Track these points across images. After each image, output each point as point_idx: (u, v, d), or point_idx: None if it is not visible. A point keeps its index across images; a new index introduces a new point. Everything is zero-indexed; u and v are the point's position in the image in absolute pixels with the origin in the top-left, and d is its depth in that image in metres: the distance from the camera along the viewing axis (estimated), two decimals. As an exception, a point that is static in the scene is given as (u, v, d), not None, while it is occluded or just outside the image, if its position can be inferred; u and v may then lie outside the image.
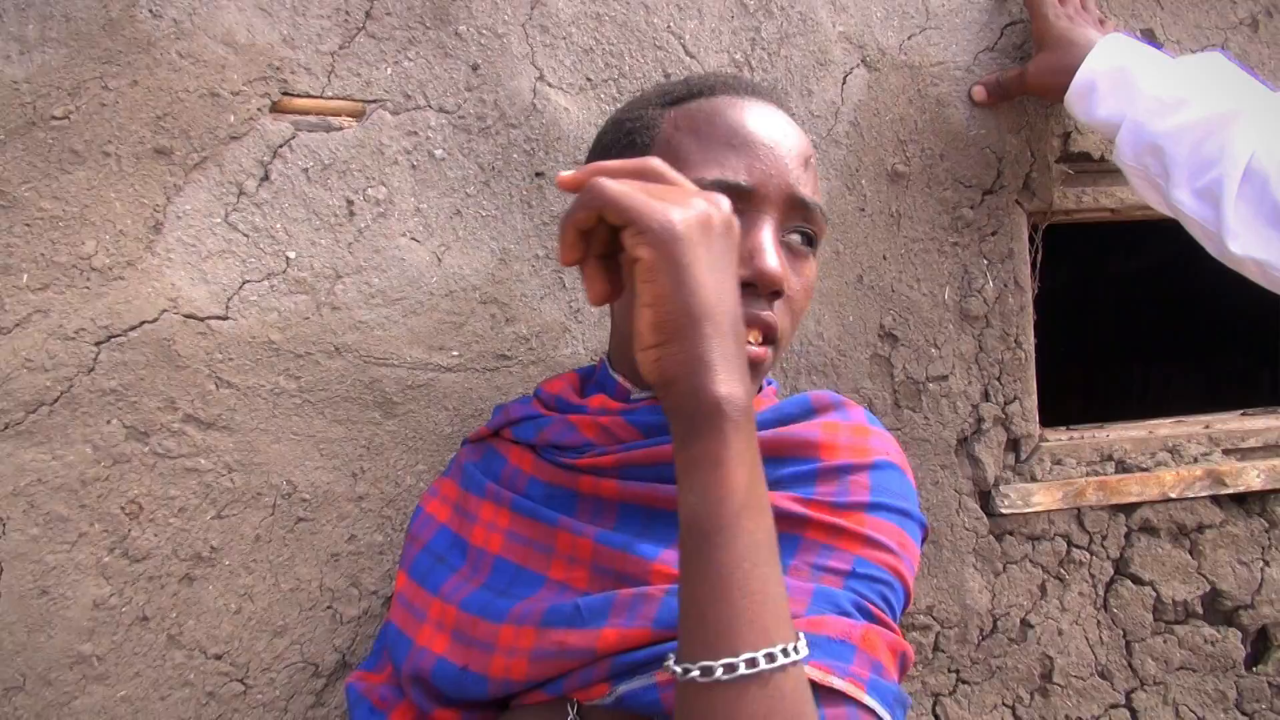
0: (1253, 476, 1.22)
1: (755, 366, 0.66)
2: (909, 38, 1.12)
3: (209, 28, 0.93)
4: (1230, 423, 1.30)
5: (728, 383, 0.52)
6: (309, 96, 0.97)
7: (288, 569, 0.95)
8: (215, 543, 0.93)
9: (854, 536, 0.64)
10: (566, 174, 0.56)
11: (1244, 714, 1.24)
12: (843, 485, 0.67)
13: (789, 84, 1.08)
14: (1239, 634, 1.24)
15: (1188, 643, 1.23)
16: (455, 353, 1.00)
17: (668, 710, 0.58)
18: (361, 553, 0.97)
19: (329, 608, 0.96)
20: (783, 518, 0.64)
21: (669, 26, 1.05)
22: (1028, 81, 1.06)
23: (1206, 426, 1.28)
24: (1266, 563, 1.25)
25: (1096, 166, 1.20)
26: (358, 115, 0.98)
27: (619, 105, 1.04)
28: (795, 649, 0.50)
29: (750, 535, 0.51)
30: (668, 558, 0.65)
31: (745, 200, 0.68)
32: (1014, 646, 1.18)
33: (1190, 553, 1.23)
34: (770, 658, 0.49)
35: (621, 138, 0.75)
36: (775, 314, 0.67)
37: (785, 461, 0.69)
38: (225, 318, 0.93)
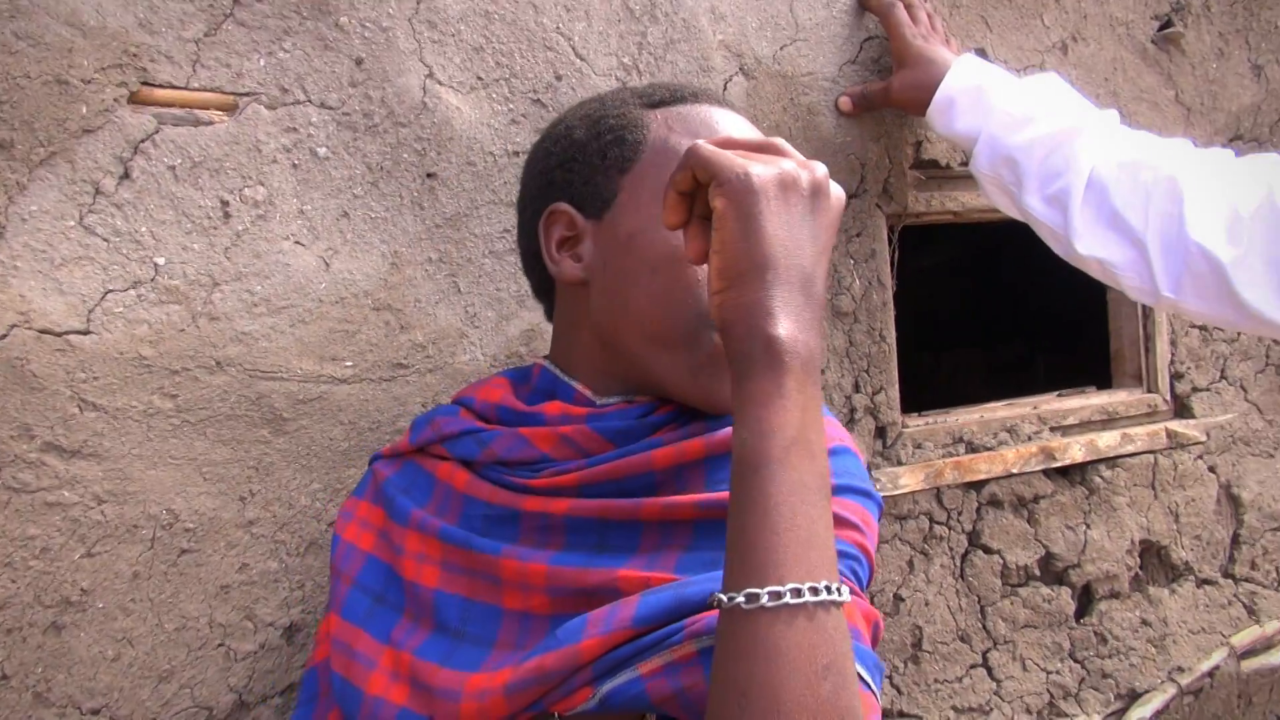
0: (1076, 450, 1.38)
1: None
2: (781, 48, 1.17)
3: (50, 6, 0.83)
4: (1052, 403, 1.45)
5: (785, 326, 0.54)
6: (172, 87, 0.88)
7: (171, 607, 0.86)
8: (86, 584, 0.82)
9: None
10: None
11: (1076, 661, 1.40)
12: None
13: (675, 89, 1.10)
14: (1069, 591, 1.40)
15: (1029, 603, 1.37)
16: (348, 363, 0.94)
17: (653, 700, 0.58)
18: (255, 582, 0.90)
19: (221, 645, 0.88)
20: None
21: (558, 27, 1.04)
22: (892, 96, 1.13)
23: (1035, 408, 1.43)
24: (1088, 526, 1.41)
25: (943, 173, 1.31)
26: (229, 109, 0.91)
27: (512, 105, 1.02)
28: (839, 590, 0.51)
29: (798, 473, 0.53)
30: (634, 564, 0.64)
31: None
32: (889, 620, 1.26)
33: (1028, 521, 1.37)
34: (814, 590, 0.50)
35: (605, 133, 0.73)
36: None
37: None
38: (87, 332, 0.83)
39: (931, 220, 1.35)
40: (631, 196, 0.71)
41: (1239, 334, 1.56)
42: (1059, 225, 1.02)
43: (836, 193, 0.60)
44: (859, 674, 0.58)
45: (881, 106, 1.19)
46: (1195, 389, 1.52)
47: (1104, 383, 1.58)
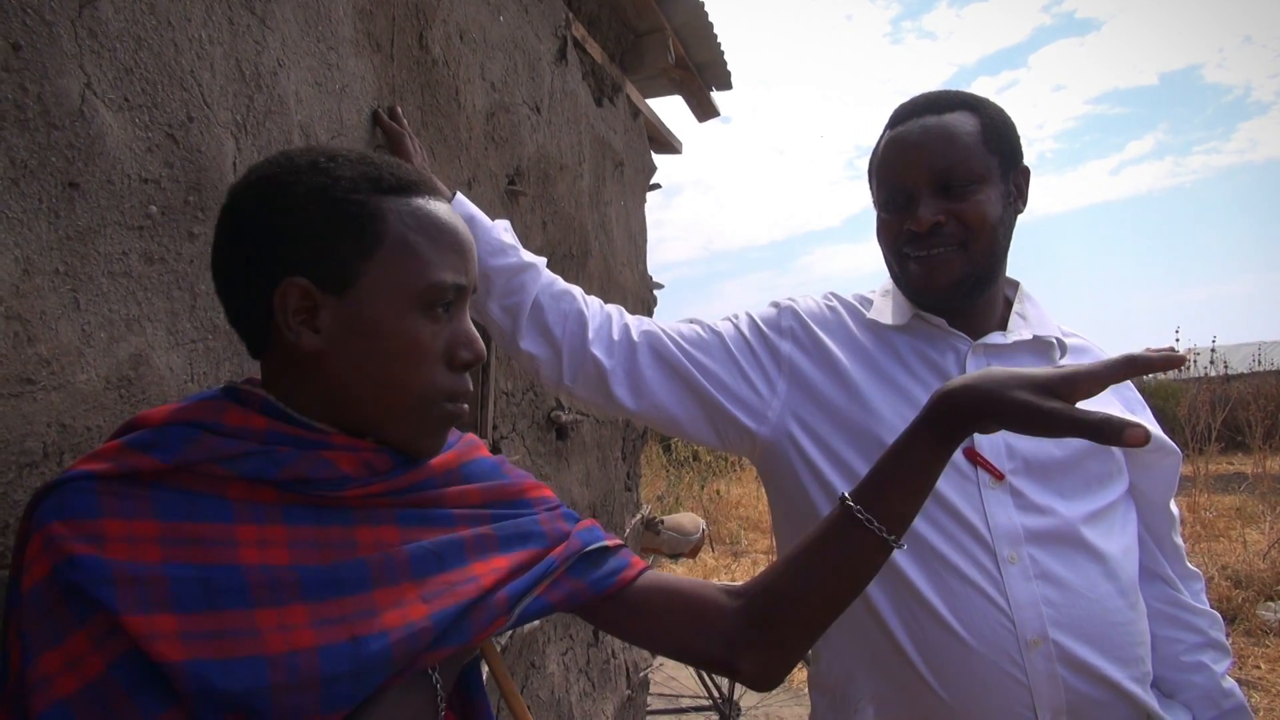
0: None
1: (460, 421, 0.93)
2: (332, 138, 1.40)
3: None
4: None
5: None
6: None
7: None
8: None
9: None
10: None
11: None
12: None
13: (268, 153, 1.23)
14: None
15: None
16: (-27, 374, 0.84)
17: (553, 606, 0.85)
18: None
19: None
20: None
21: (192, 71, 1.10)
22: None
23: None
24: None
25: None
26: None
27: (151, 134, 1.04)
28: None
29: None
30: (459, 527, 0.85)
31: (461, 295, 0.84)
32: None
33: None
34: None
35: (344, 220, 0.78)
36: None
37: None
38: None
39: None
40: (375, 284, 0.79)
41: (524, 399, 2.27)
42: (508, 328, 1.49)
43: None
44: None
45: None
46: (502, 436, 2.16)
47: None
